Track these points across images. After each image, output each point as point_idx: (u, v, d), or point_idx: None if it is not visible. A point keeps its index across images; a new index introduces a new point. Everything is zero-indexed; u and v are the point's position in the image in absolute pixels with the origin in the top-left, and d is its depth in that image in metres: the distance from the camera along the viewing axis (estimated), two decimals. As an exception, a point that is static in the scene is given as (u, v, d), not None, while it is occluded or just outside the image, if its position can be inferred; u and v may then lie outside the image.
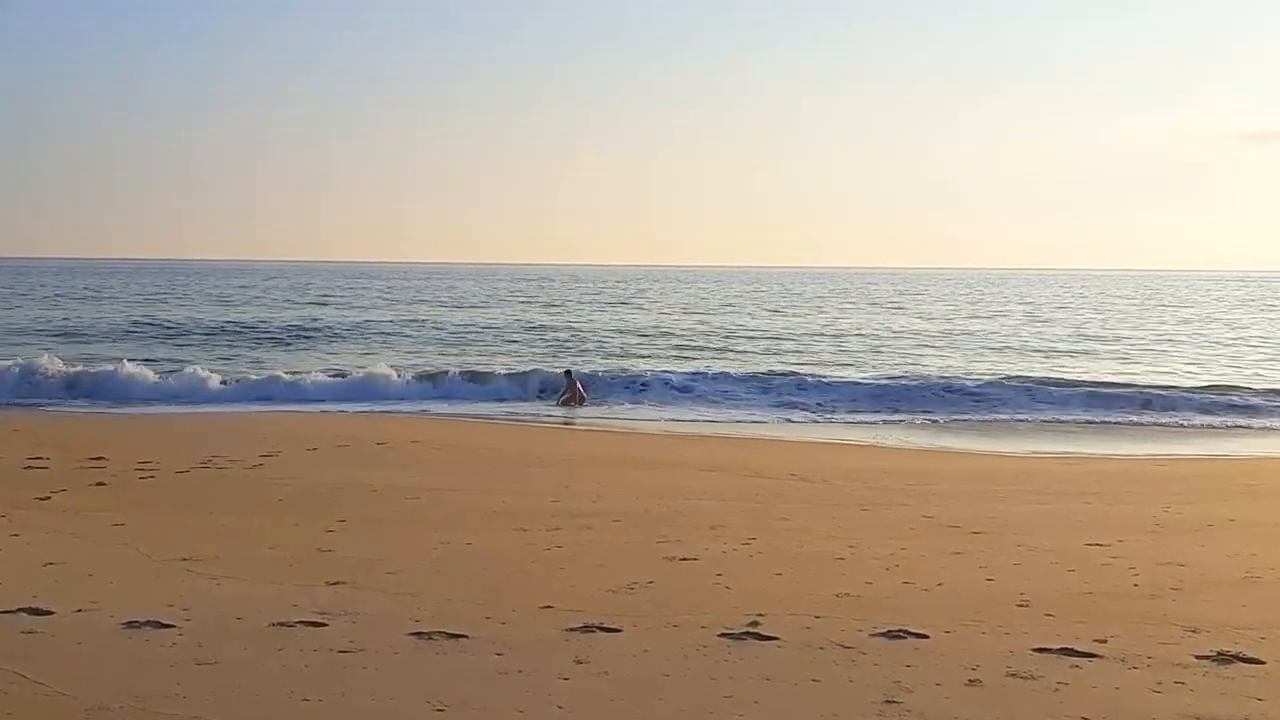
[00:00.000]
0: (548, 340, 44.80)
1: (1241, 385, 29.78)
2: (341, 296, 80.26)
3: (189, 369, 28.78)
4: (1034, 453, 19.51)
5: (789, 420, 24.23)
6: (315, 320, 52.77)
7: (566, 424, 23.49)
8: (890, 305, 79.20)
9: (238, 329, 46.96)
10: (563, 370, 28.93)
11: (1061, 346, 44.61)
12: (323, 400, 26.04)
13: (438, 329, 49.44)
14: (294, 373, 29.11)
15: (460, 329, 49.60)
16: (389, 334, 46.59)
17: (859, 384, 28.77)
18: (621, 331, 49.65)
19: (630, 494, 13.59)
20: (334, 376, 28.79)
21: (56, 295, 74.56)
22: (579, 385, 26.99)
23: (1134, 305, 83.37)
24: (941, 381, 29.17)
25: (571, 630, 7.74)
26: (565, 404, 26.40)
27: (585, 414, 25.02)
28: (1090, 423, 24.21)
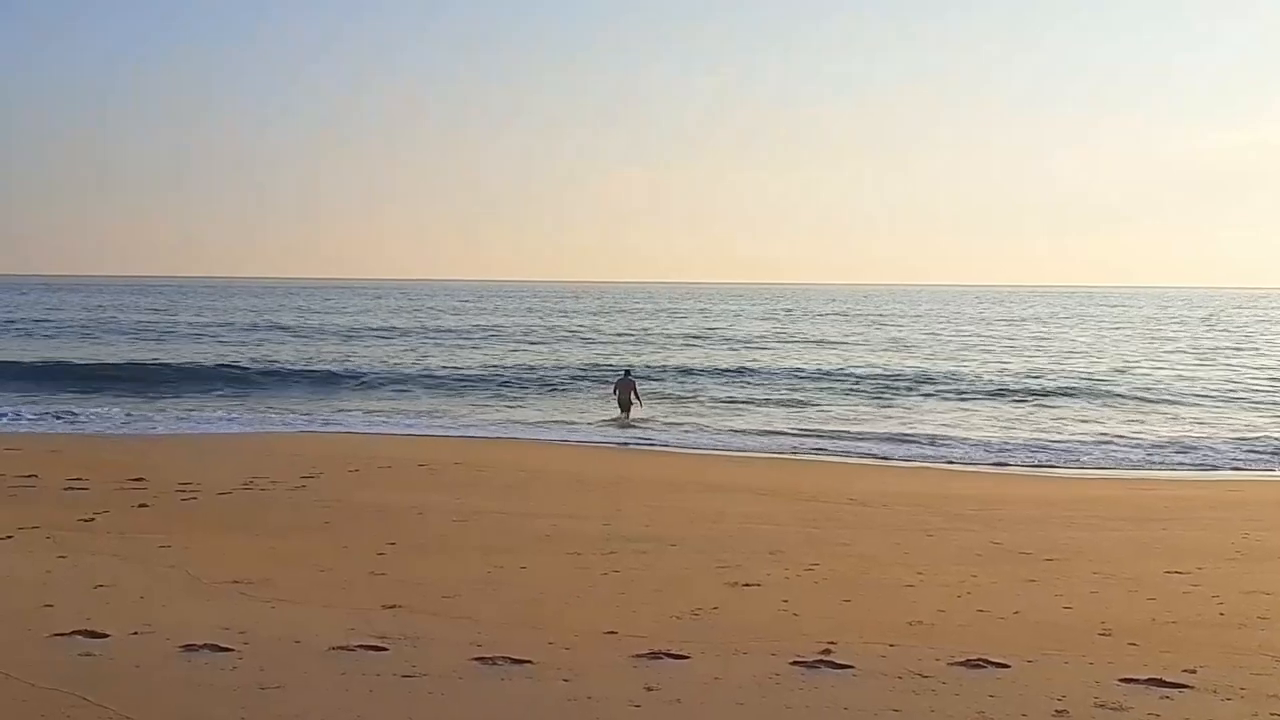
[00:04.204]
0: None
1: None
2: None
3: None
4: (1101, 477, 19.37)
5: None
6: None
7: (611, 444, 23.55)
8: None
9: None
10: (623, 370, 29.34)
11: None
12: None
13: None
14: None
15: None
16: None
17: None
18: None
19: (683, 517, 13.63)
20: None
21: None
22: (634, 389, 27.29)
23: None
24: None
25: (638, 656, 7.76)
26: (621, 405, 26.82)
27: (630, 437, 25.11)
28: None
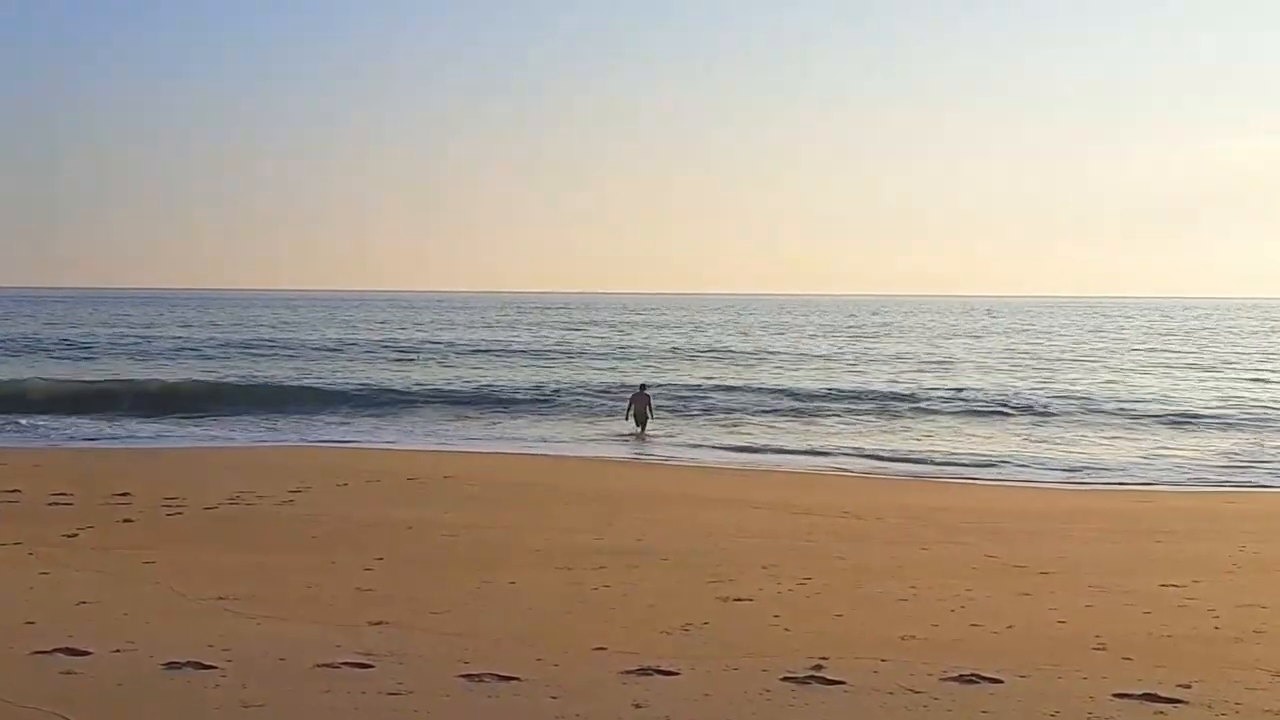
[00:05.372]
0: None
1: None
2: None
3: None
4: (1099, 489, 19.41)
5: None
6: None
7: (604, 458, 23.53)
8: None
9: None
10: (638, 385, 29.48)
11: None
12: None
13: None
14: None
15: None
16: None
17: None
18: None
19: (676, 531, 13.63)
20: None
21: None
22: (649, 404, 27.52)
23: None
24: None
25: (627, 673, 7.76)
26: (636, 420, 27.02)
27: (624, 451, 25.14)
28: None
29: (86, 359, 51.43)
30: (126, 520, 13.78)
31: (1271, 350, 63.60)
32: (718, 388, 39.46)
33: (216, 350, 57.12)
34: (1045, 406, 33.96)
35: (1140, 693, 7.39)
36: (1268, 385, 41.82)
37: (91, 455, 22.27)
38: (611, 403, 33.84)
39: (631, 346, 64.17)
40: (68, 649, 8.10)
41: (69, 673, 7.64)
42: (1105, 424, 30.24)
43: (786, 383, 41.80)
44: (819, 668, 7.89)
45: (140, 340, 64.25)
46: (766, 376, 44.80)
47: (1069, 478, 20.90)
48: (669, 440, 26.44)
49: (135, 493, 15.66)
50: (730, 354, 57.82)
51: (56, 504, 14.87)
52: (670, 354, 58.12)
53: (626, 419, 27.78)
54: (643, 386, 28.98)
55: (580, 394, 37.25)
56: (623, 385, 37.85)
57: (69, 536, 12.70)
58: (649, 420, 27.45)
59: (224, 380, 40.38)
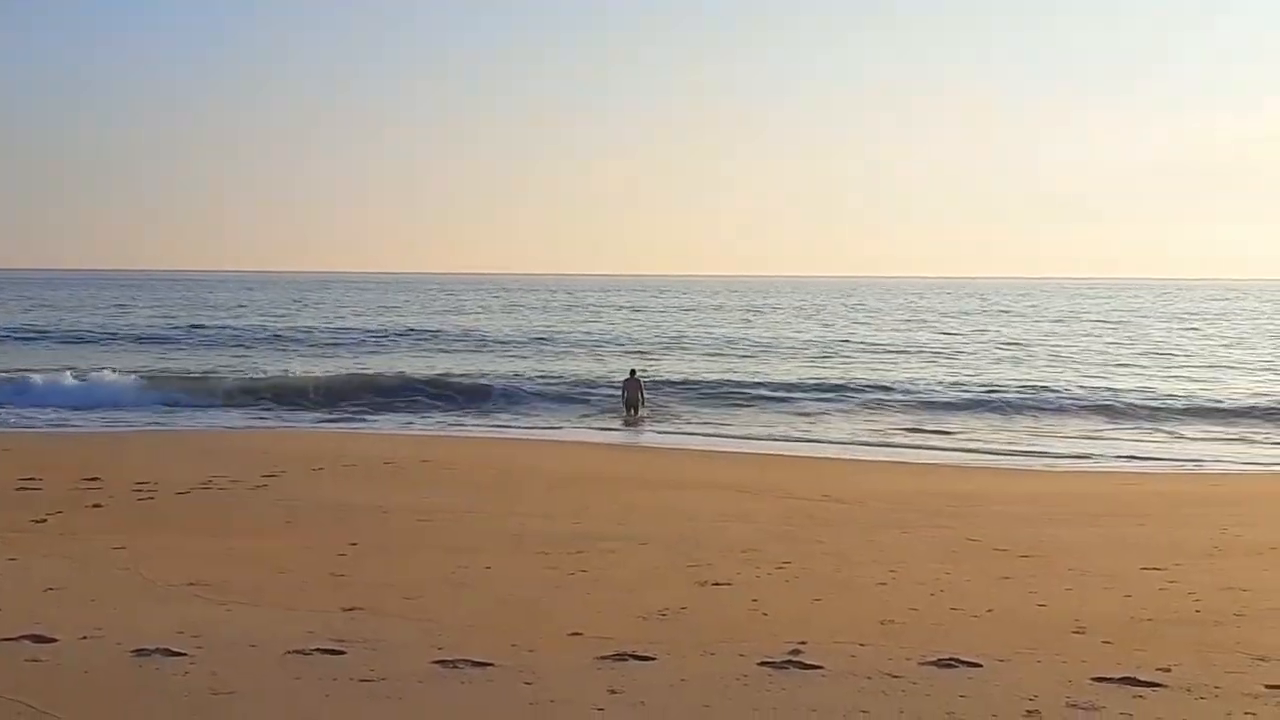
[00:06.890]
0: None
1: None
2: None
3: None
4: (1083, 471, 19.51)
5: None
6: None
7: (583, 442, 23.56)
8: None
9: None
10: (628, 371, 29.76)
11: None
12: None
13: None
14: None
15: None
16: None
17: None
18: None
19: (655, 516, 13.64)
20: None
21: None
22: (641, 389, 28.05)
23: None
24: None
25: (603, 658, 7.76)
26: (629, 408, 27.65)
27: (606, 436, 25.18)
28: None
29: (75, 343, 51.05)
30: (96, 505, 13.72)
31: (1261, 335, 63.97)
32: (704, 372, 39.42)
33: (182, 336, 56.40)
34: (1032, 391, 34.03)
35: (1119, 676, 7.42)
36: (1245, 369, 42.03)
37: (62, 440, 22.18)
38: (596, 389, 33.72)
39: (616, 331, 63.96)
40: (34, 636, 8.05)
41: (34, 660, 7.60)
42: (1092, 410, 30.31)
43: (774, 368, 41.79)
44: (796, 653, 7.90)
45: (110, 325, 63.80)
46: (754, 362, 44.75)
47: (1051, 462, 21.00)
48: (656, 425, 26.53)
49: (105, 477, 15.59)
50: (718, 339, 57.70)
51: (25, 489, 14.79)
52: (657, 339, 58.00)
53: (621, 404, 28.05)
54: (633, 372, 29.42)
55: (565, 380, 36.97)
56: (611, 372, 37.78)
57: (37, 521, 12.64)
58: (641, 405, 27.74)
59: (199, 369, 39.99)
